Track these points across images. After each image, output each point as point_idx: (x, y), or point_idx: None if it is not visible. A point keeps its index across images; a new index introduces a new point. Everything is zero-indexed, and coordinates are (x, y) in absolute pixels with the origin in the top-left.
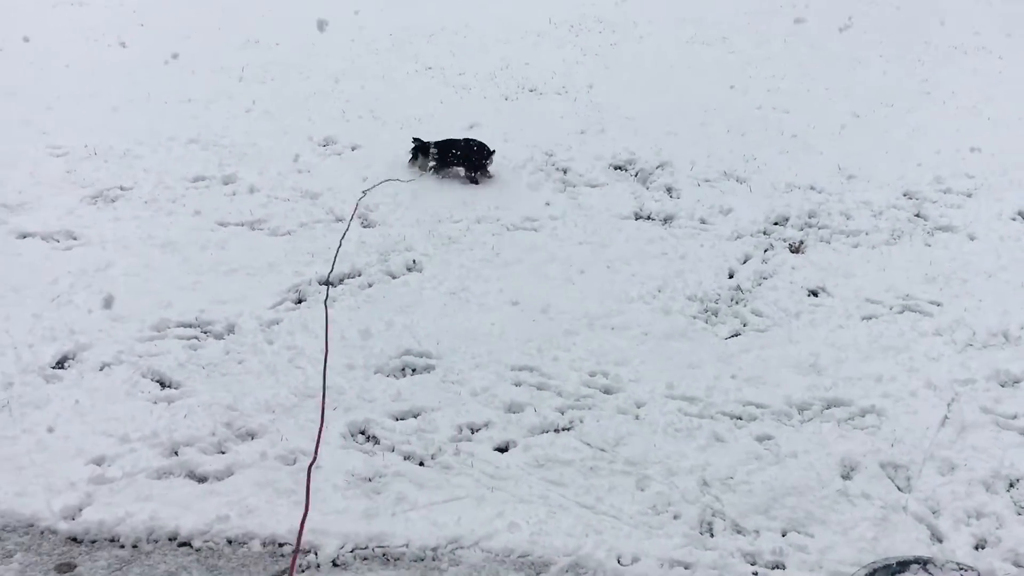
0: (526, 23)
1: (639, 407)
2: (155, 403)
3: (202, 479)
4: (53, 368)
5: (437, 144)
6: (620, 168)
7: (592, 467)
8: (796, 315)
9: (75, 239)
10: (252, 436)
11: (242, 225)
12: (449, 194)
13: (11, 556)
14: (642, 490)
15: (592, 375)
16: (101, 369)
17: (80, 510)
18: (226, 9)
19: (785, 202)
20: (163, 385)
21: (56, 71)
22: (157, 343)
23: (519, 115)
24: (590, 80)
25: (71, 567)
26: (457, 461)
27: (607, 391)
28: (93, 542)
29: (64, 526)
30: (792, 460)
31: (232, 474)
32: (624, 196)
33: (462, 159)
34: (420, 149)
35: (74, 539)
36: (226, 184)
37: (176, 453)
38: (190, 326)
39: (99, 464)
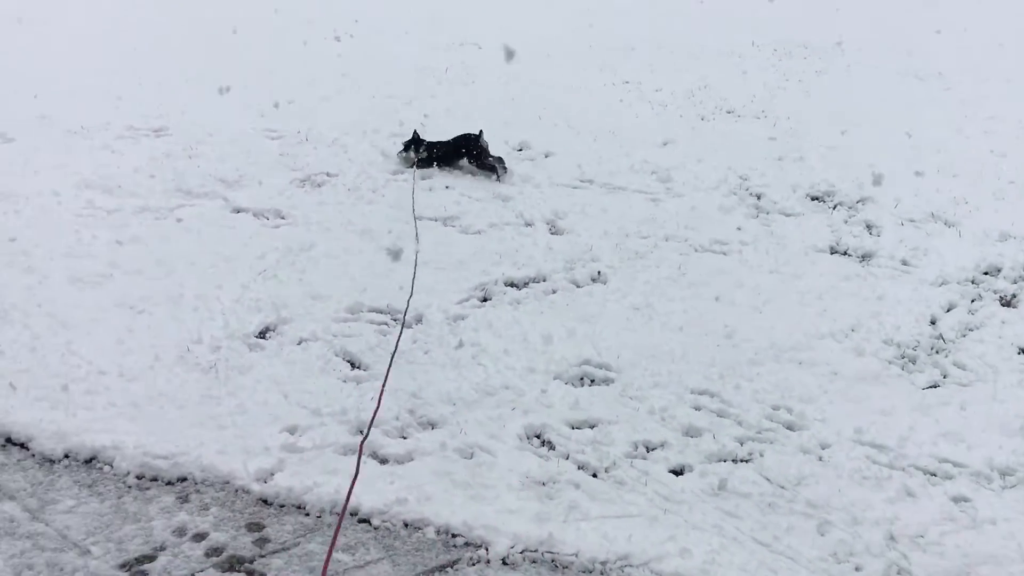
0: (728, 45)
1: (824, 448)
2: (345, 382)
3: (384, 460)
4: (256, 337)
5: (428, 144)
6: (818, 199)
7: (771, 503)
8: (1004, 373)
9: (282, 218)
10: (433, 426)
11: (435, 220)
12: (639, 209)
13: (207, 509)
14: (822, 535)
15: (775, 408)
16: (299, 343)
17: (272, 474)
18: (437, 11)
19: (998, 251)
20: (353, 365)
21: (276, 63)
22: (351, 325)
23: (715, 136)
24: (791, 106)
25: (260, 527)
26: (631, 477)
27: (790, 427)
28: (282, 506)
29: (256, 487)
30: (991, 526)
31: (412, 460)
32: (820, 228)
33: (455, 155)
34: (413, 143)
35: (265, 501)
36: (423, 180)
37: (361, 432)
38: (381, 312)
39: (292, 433)
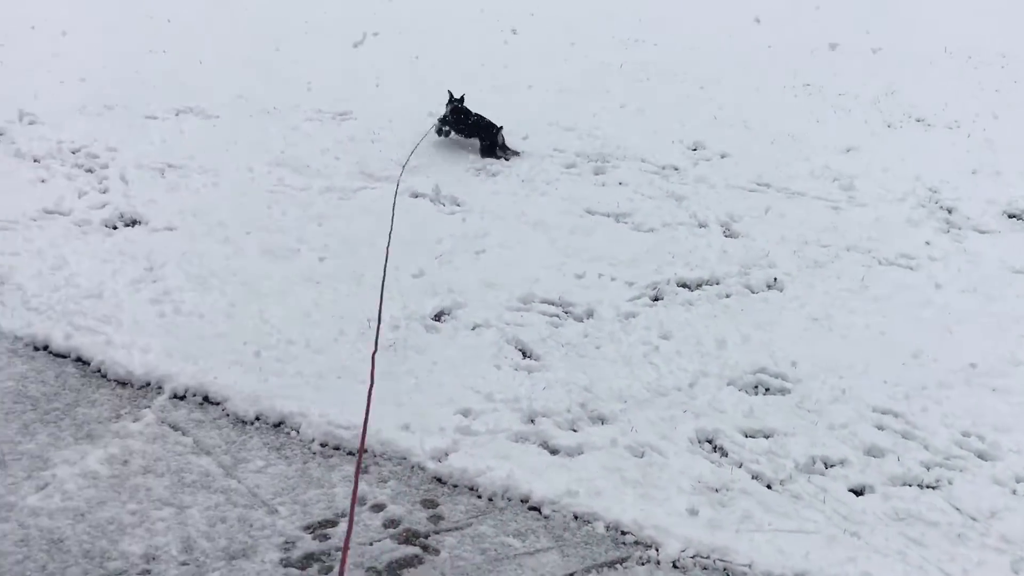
0: (920, 49)
1: (1019, 481)
2: (516, 370)
3: (554, 451)
4: (432, 320)
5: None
6: (1017, 217)
7: (960, 535)
8: None
9: (458, 206)
10: (603, 421)
11: (608, 216)
12: (819, 216)
13: (386, 482)
14: (1016, 573)
15: (965, 435)
16: (473, 329)
17: (447, 454)
18: (612, 7)
19: None
20: (525, 355)
21: (455, 54)
22: (523, 314)
23: (902, 145)
24: (987, 117)
25: (434, 504)
26: (808, 492)
27: (982, 456)
28: (455, 487)
29: (432, 465)
30: None
31: (582, 453)
32: (1020, 248)
33: (473, 131)
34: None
35: (439, 479)
36: (596, 175)
37: (533, 421)
38: (553, 304)
39: (465, 416)
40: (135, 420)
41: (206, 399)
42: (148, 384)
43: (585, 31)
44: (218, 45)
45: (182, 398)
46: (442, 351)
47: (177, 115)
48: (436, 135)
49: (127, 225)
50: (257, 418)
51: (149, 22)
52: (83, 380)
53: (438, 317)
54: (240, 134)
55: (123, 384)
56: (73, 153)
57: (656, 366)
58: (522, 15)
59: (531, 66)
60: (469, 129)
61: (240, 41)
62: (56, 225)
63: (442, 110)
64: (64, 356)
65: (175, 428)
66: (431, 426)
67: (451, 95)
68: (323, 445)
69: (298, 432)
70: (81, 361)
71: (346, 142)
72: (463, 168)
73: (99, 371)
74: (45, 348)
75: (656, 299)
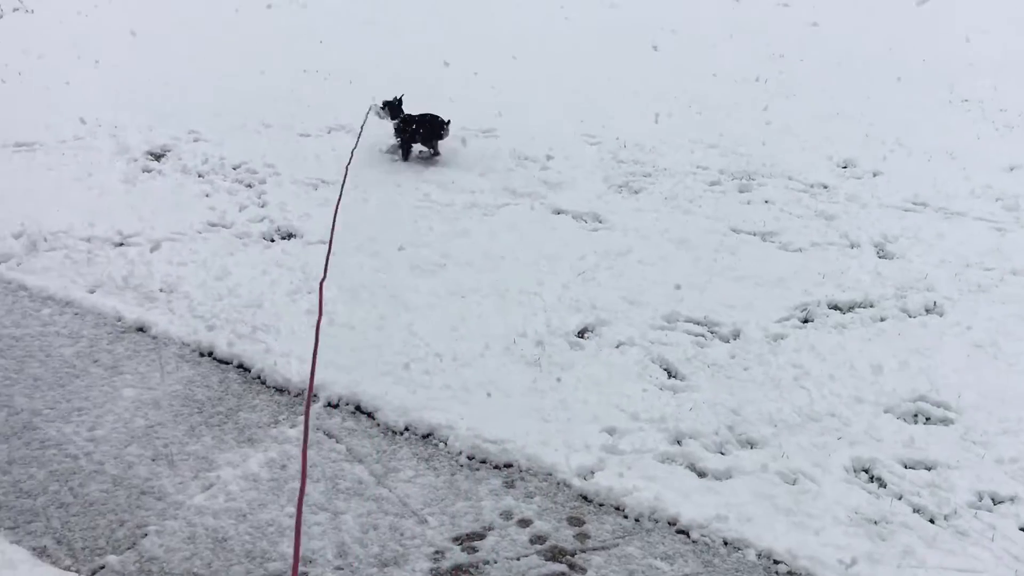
0: None
1: None
2: (661, 389)
3: (702, 474)
4: (576, 336)
5: (406, 116)
6: None
7: None
8: None
9: (600, 222)
10: (752, 445)
11: (754, 235)
12: (981, 238)
13: (531, 497)
14: None
15: None
16: (617, 347)
17: (592, 472)
18: (753, 23)
19: None
20: (670, 374)
21: (593, 74)
22: (667, 333)
23: None
24: None
25: (580, 522)
26: (975, 529)
27: None
28: (601, 505)
29: (577, 483)
30: None
31: (731, 477)
32: None
33: (418, 134)
34: (393, 111)
35: (585, 497)
36: (741, 192)
37: (679, 442)
38: (698, 323)
39: (611, 434)
40: (292, 426)
41: (358, 408)
42: (302, 392)
43: (726, 47)
44: (368, 65)
45: (336, 406)
46: (586, 368)
47: (328, 133)
48: (402, 159)
49: (283, 238)
50: (407, 428)
51: (304, 43)
52: (244, 386)
53: (582, 334)
54: (386, 152)
55: (281, 391)
56: (234, 169)
57: (807, 390)
58: (663, 32)
59: (672, 82)
60: (420, 127)
61: (390, 60)
62: (219, 237)
63: (581, 127)
64: (227, 362)
65: (329, 435)
66: (576, 443)
67: (387, 103)
68: (470, 458)
69: (446, 444)
70: (243, 368)
71: (489, 159)
72: (604, 185)
73: (259, 378)
74: (210, 354)
75: (806, 321)
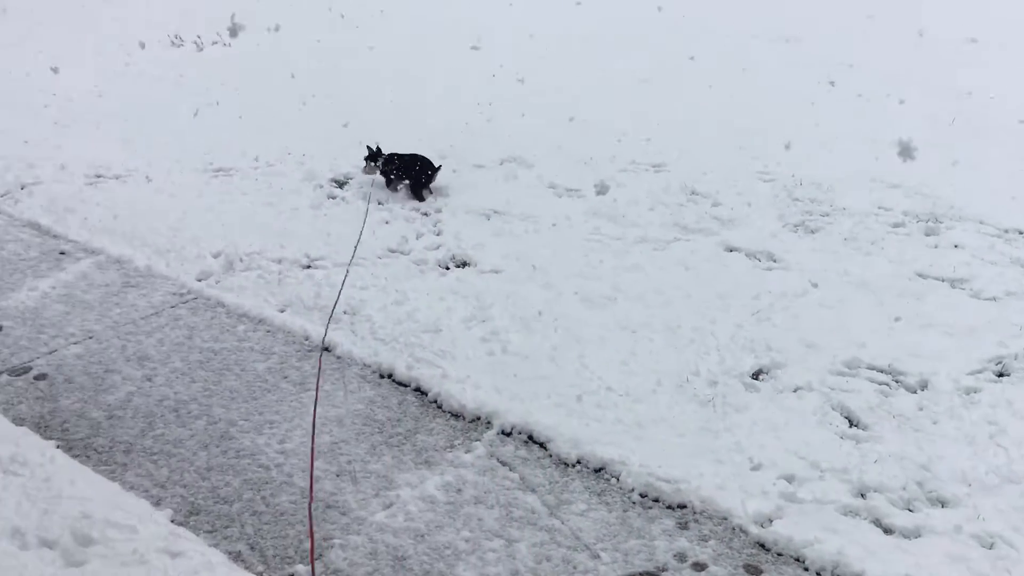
0: None
1: None
2: (843, 439)
3: (888, 531)
4: (751, 378)
5: (388, 156)
6: None
7: None
8: None
9: (775, 261)
10: (944, 504)
11: (942, 281)
12: None
13: (706, 540)
14: None
15: None
16: (794, 391)
17: (770, 520)
18: (943, 58)
19: None
20: (851, 423)
21: (763, 107)
22: (848, 380)
23: None
24: None
25: (758, 571)
26: None
27: None
28: (779, 555)
29: (754, 530)
30: None
31: (920, 536)
32: None
33: (404, 173)
34: (374, 156)
35: (762, 545)
36: (927, 236)
37: (863, 495)
38: (882, 371)
39: (789, 482)
40: (467, 451)
41: (531, 438)
42: (478, 418)
43: (908, 81)
44: (536, 99)
45: (509, 435)
46: (762, 411)
47: (501, 164)
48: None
49: (458, 266)
50: (578, 461)
51: (477, 76)
52: (422, 409)
53: (756, 375)
54: (557, 184)
55: (456, 416)
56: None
57: (1005, 449)
58: (839, 67)
59: (850, 118)
60: (406, 168)
61: (559, 95)
62: (398, 263)
63: (755, 164)
64: (405, 385)
65: (503, 463)
66: (752, 488)
67: (370, 149)
68: (643, 495)
69: (618, 480)
70: (420, 391)
71: (659, 193)
72: (779, 223)
73: (435, 402)
74: (390, 376)
75: (1001, 375)
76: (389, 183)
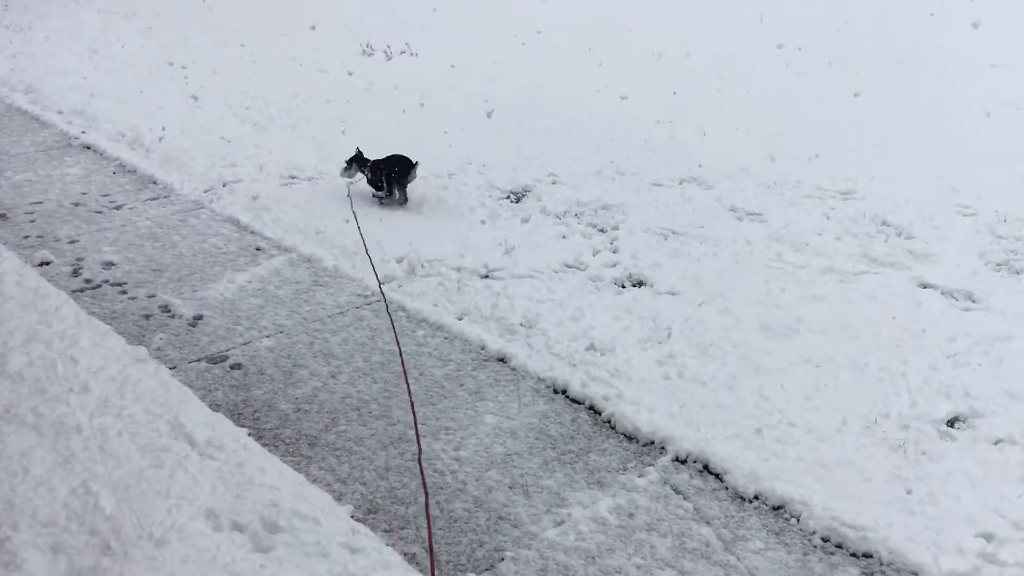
0: None
1: None
2: None
3: None
4: (946, 425)
5: (373, 163)
6: None
7: None
8: None
9: (974, 301)
10: None
11: None
12: None
13: None
14: None
15: None
16: (995, 443)
17: None
18: None
19: None
20: None
21: (934, 135)
22: None
23: None
24: None
25: None
26: None
27: None
28: None
29: None
30: None
31: None
32: None
33: (386, 175)
34: (356, 161)
35: None
36: None
37: None
38: None
39: (988, 540)
40: (640, 476)
41: (706, 467)
42: (652, 443)
43: None
44: (722, 117)
45: (683, 462)
46: (958, 462)
47: (680, 184)
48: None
49: (634, 285)
50: (756, 497)
51: (656, 94)
52: (594, 428)
53: (952, 423)
54: (738, 207)
55: (629, 438)
56: (589, 213)
57: None
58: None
59: None
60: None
61: (747, 115)
62: (574, 279)
63: (953, 196)
64: (579, 402)
65: (677, 491)
66: (947, 544)
67: (349, 161)
68: (824, 539)
69: (798, 520)
70: (593, 410)
71: (847, 222)
72: (980, 261)
73: (608, 422)
74: (563, 392)
75: None
76: (380, 189)
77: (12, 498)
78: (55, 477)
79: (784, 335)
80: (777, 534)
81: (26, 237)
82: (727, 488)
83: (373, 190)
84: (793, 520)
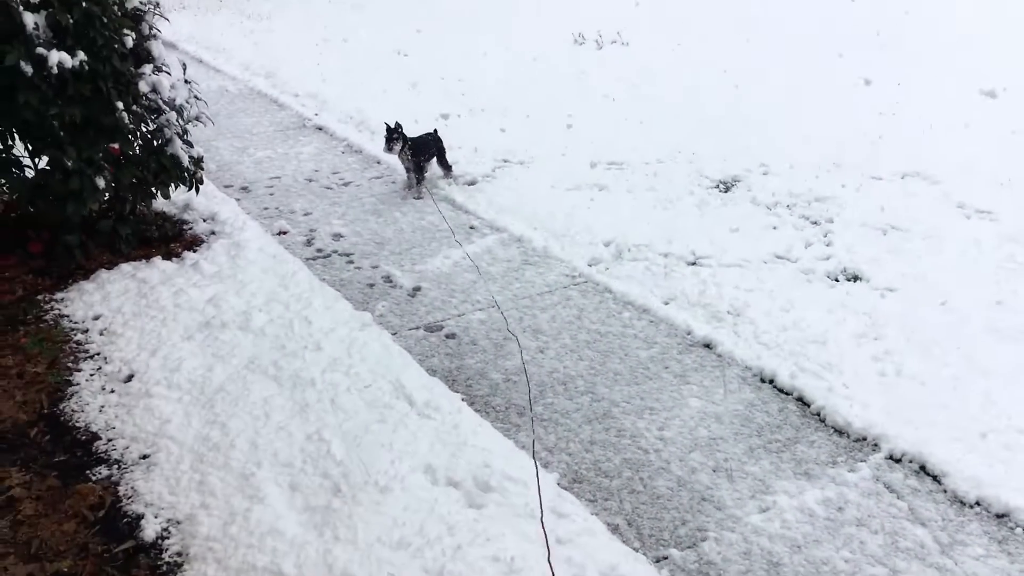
0: None
1: None
2: None
3: None
4: None
5: (413, 142)
6: None
7: None
8: None
9: None
10: None
11: None
12: None
13: None
14: None
15: None
16: None
17: None
18: None
19: None
20: None
21: None
22: None
23: None
24: None
25: None
26: None
27: None
28: None
29: None
30: None
31: None
32: None
33: (427, 153)
34: (397, 135)
35: None
36: None
37: None
38: None
39: None
40: (851, 471)
41: (923, 468)
42: (864, 439)
43: None
44: (953, 109)
45: (898, 461)
46: None
47: (902, 178)
48: (413, 188)
49: (848, 280)
50: (977, 503)
51: (881, 85)
52: (803, 420)
53: None
54: (967, 203)
55: (840, 433)
56: (801, 205)
57: None
58: None
59: None
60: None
61: (976, 108)
62: (784, 270)
63: None
64: (787, 393)
65: (890, 489)
66: None
67: (397, 126)
68: None
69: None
70: (802, 401)
71: None
72: None
73: (818, 415)
74: (771, 382)
75: None
76: (421, 171)
77: (256, 439)
78: (292, 424)
79: (1016, 339)
80: (1000, 542)
81: (266, 208)
82: (945, 491)
83: (413, 173)
84: (1019, 530)
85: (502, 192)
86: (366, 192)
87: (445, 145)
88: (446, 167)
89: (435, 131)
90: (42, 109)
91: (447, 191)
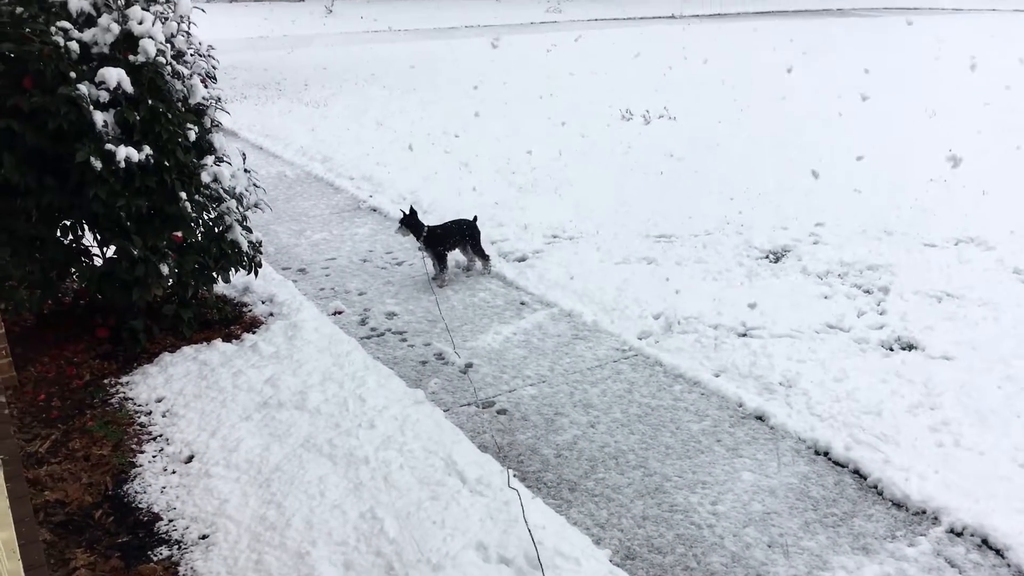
0: None
1: None
2: None
3: None
4: None
5: (429, 228)
6: None
7: None
8: None
9: None
10: None
11: None
12: None
13: None
14: None
15: None
16: None
17: None
18: None
19: None
20: None
21: None
22: None
23: None
24: None
25: None
26: None
27: None
28: None
29: None
30: None
31: None
32: None
33: (456, 241)
34: (409, 223)
35: None
36: None
37: None
38: None
39: None
40: (910, 545)
41: (984, 542)
42: (923, 512)
43: None
44: (1004, 175)
45: (959, 534)
46: None
47: (956, 244)
48: (437, 277)
49: (903, 349)
50: None
51: (933, 151)
52: (859, 493)
53: None
54: (1022, 269)
55: (898, 506)
56: (853, 274)
57: None
58: None
59: None
60: (456, 234)
61: None
62: (836, 340)
63: None
64: (842, 465)
65: (952, 564)
66: None
67: (402, 220)
68: None
69: None
70: (858, 474)
71: None
72: None
73: (875, 487)
74: (825, 454)
75: None
76: (440, 259)
77: (311, 518)
78: (347, 502)
79: None
80: None
81: (322, 289)
82: (1009, 565)
83: (433, 261)
84: None
85: (552, 268)
86: (419, 270)
87: (482, 231)
88: (482, 256)
89: (474, 218)
90: (110, 201)
91: (498, 268)
